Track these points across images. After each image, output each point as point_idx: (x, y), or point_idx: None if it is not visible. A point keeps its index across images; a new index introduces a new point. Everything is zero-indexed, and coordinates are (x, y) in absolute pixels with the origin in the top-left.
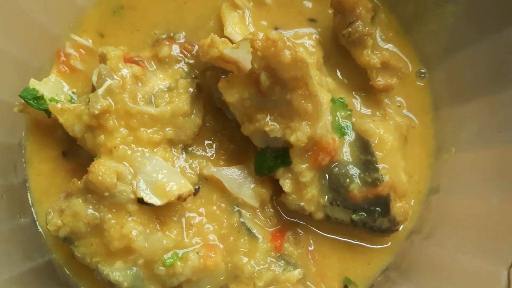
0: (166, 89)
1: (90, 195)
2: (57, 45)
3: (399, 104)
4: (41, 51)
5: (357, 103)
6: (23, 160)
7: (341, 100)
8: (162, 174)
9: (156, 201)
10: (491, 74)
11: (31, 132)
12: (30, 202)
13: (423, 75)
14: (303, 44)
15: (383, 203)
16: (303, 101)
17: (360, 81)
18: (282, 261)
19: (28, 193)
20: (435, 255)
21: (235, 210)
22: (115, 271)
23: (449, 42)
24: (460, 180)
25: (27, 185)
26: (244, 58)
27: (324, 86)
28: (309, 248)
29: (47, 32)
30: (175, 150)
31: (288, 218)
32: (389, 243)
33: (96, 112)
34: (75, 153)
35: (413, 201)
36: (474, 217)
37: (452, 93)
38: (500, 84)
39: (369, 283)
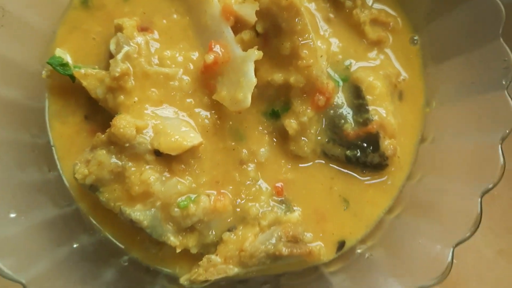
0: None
1: (112, 147)
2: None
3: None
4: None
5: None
6: (47, 122)
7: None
8: (176, 128)
9: (169, 152)
10: (467, 34)
11: (55, 97)
12: (56, 158)
13: (415, 42)
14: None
15: (373, 140)
16: (300, 46)
17: (352, 41)
18: (284, 205)
19: (54, 151)
20: (424, 196)
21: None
22: (136, 212)
23: (431, 9)
24: (442, 129)
25: (52, 144)
26: (248, 13)
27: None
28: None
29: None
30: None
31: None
32: (385, 177)
33: (117, 74)
34: (96, 116)
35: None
36: (455, 160)
37: (434, 54)
38: (473, 42)
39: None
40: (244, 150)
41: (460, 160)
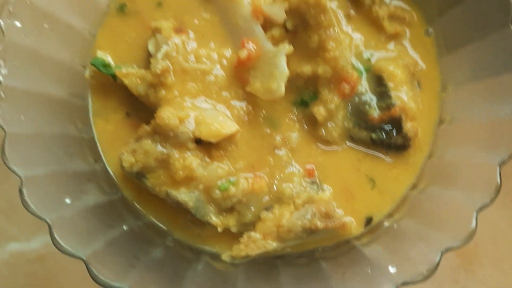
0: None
1: (157, 136)
2: None
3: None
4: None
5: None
6: (91, 119)
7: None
8: (215, 118)
9: (210, 140)
10: (477, 23)
11: (97, 96)
12: (100, 151)
13: (430, 34)
14: None
15: (396, 123)
16: (326, 39)
17: (372, 35)
18: (315, 185)
19: (98, 145)
20: (445, 171)
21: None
22: (182, 194)
23: (442, 2)
24: (459, 110)
25: (96, 139)
26: (277, 14)
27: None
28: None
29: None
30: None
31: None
32: (408, 157)
33: (158, 71)
34: (137, 113)
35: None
36: (473, 136)
37: (448, 43)
38: (484, 30)
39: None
40: (277, 137)
41: (478, 135)
